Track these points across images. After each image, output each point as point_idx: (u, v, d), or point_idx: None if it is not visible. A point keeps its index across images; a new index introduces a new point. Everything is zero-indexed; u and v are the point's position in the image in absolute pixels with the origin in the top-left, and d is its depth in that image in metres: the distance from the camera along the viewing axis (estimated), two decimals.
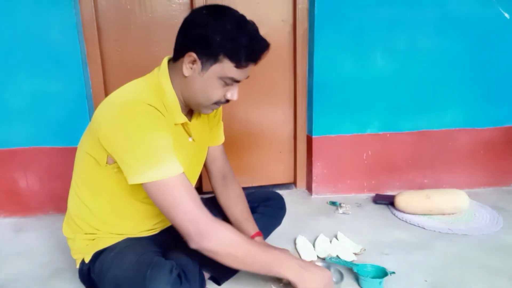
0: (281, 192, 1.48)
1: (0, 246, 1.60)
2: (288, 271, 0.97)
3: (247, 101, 2.05)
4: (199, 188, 2.14)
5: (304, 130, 2.11)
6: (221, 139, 1.32)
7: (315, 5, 1.84)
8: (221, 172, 1.32)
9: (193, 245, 0.94)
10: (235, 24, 0.95)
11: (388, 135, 2.03)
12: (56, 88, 1.76)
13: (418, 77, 1.97)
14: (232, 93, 1.03)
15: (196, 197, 0.95)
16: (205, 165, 1.31)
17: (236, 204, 1.28)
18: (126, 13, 1.83)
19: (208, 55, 0.96)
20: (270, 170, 2.18)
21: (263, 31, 1.00)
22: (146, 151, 0.90)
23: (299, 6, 1.93)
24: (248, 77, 1.04)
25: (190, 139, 1.13)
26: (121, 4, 1.83)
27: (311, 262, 1.03)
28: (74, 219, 1.14)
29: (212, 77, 0.98)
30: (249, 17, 1.00)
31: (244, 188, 1.36)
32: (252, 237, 1.19)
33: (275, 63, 2.01)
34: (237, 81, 1.01)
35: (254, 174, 2.16)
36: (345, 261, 1.33)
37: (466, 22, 1.93)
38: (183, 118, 1.05)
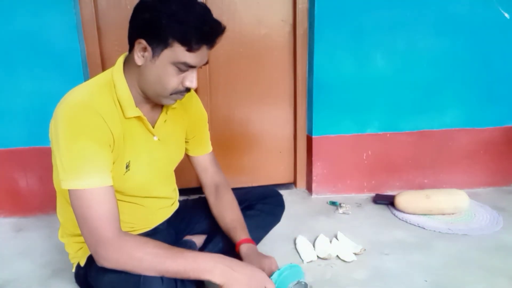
0: (281, 192, 1.47)
1: (0, 246, 1.60)
2: (214, 275, 0.91)
3: (247, 101, 2.05)
4: (199, 188, 2.13)
5: (304, 130, 2.11)
6: (208, 148, 1.29)
7: (315, 5, 1.84)
8: (213, 182, 1.30)
9: (97, 262, 0.92)
10: (183, 5, 0.90)
11: (388, 135, 2.03)
12: (56, 88, 1.75)
13: (418, 77, 1.97)
14: (191, 80, 0.97)
15: (109, 214, 0.90)
16: (198, 176, 1.31)
17: (226, 214, 1.25)
18: (126, 13, 1.83)
19: (158, 40, 0.91)
20: (270, 170, 2.18)
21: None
22: (72, 159, 0.89)
23: (299, 6, 1.92)
24: (207, 63, 0.99)
25: (156, 138, 1.09)
26: (121, 4, 1.83)
27: (244, 263, 0.97)
28: (63, 222, 1.13)
29: (165, 63, 0.93)
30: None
31: (243, 188, 1.35)
32: (238, 244, 1.15)
33: (275, 63, 2.00)
34: (193, 67, 0.96)
35: (254, 174, 2.16)
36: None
37: (466, 22, 1.93)
38: (136, 112, 1.01)
